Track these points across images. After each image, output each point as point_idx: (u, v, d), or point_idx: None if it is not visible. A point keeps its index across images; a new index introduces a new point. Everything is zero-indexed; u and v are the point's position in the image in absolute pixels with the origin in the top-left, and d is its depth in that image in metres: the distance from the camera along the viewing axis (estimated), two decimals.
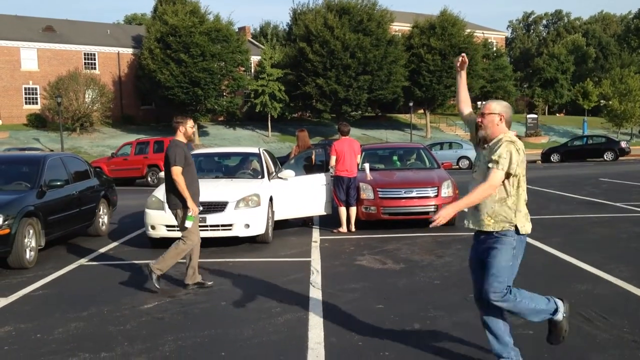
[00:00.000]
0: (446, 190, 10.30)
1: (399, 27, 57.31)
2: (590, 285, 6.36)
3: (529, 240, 9.01)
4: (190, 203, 6.41)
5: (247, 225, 8.84)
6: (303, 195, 10.18)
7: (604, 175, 21.27)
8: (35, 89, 45.51)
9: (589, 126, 54.85)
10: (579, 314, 5.36)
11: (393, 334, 5.03)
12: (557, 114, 73.55)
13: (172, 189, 6.56)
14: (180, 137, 6.62)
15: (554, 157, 34.80)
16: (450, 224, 10.54)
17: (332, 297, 6.17)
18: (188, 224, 6.49)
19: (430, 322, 5.31)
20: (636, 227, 10.07)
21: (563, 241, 8.90)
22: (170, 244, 9.07)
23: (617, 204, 12.98)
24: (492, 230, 4.06)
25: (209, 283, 6.80)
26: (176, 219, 6.71)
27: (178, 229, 8.86)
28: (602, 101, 55.51)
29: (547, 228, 10.14)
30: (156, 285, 6.52)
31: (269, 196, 9.43)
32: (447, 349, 4.65)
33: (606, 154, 33.61)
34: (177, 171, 6.42)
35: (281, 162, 12.89)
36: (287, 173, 10.21)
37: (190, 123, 6.65)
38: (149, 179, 22.79)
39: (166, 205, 8.84)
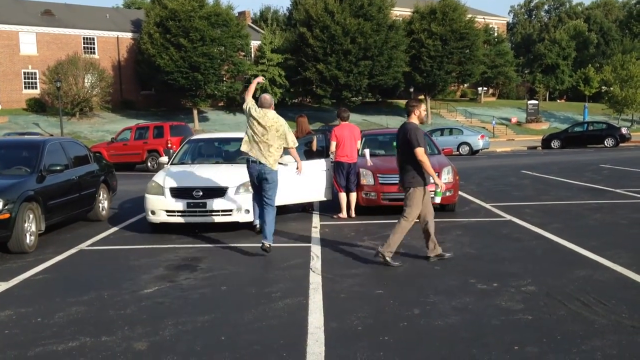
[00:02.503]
0: (446, 176, 10.27)
1: (399, 12, 56.99)
2: (589, 271, 6.38)
3: (528, 225, 9.04)
4: (437, 180, 6.76)
5: (247, 211, 8.85)
6: (303, 181, 10.16)
7: (605, 162, 21.26)
8: (35, 73, 45.34)
9: (590, 112, 54.70)
10: (577, 300, 5.39)
11: (393, 319, 5.05)
12: (558, 100, 73.31)
13: (411, 169, 6.80)
14: (414, 119, 6.96)
15: (555, 144, 34.78)
16: (450, 210, 10.57)
17: (332, 283, 6.18)
18: (437, 199, 6.86)
19: (430, 307, 5.33)
20: (636, 213, 10.07)
21: (563, 227, 8.91)
22: (169, 229, 9.11)
23: (618, 190, 12.99)
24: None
25: (448, 255, 7.03)
26: (406, 197, 6.89)
27: (183, 214, 8.87)
28: (603, 87, 55.30)
29: (547, 214, 10.16)
30: (395, 264, 6.79)
31: None
32: (446, 334, 4.67)
33: (607, 140, 33.58)
34: (422, 151, 6.73)
35: None
36: (287, 159, 10.16)
37: (423, 107, 7.07)
38: (149, 164, 22.78)
39: (166, 191, 8.90)
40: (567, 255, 7.22)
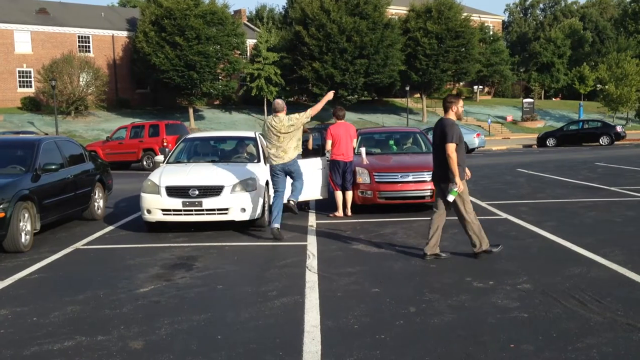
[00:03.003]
0: None
1: (395, 11, 56.98)
2: (584, 269, 6.40)
3: (524, 224, 9.06)
4: (457, 179, 6.69)
5: (243, 210, 8.84)
6: None
7: (600, 160, 21.32)
8: (29, 72, 45.18)
9: (585, 111, 54.85)
10: (573, 297, 5.40)
11: (389, 317, 5.05)
12: (553, 99, 73.46)
13: (443, 164, 6.79)
14: (451, 115, 6.94)
15: (550, 142, 34.86)
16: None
17: (328, 281, 6.19)
18: (450, 197, 6.73)
19: (426, 305, 5.34)
20: (631, 211, 10.11)
21: (558, 225, 8.93)
22: (165, 228, 9.10)
23: (613, 188, 13.02)
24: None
25: (444, 255, 7.03)
26: (440, 192, 6.96)
27: (178, 213, 8.87)
28: (598, 86, 55.42)
29: (543, 212, 10.18)
30: (496, 250, 7.00)
31: (265, 180, 9.42)
32: (442, 332, 4.68)
33: (602, 138, 33.68)
34: (452, 148, 6.69)
35: None
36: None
37: (461, 103, 7.03)
38: (145, 162, 22.74)
39: (162, 190, 8.88)
40: (563, 253, 7.24)
